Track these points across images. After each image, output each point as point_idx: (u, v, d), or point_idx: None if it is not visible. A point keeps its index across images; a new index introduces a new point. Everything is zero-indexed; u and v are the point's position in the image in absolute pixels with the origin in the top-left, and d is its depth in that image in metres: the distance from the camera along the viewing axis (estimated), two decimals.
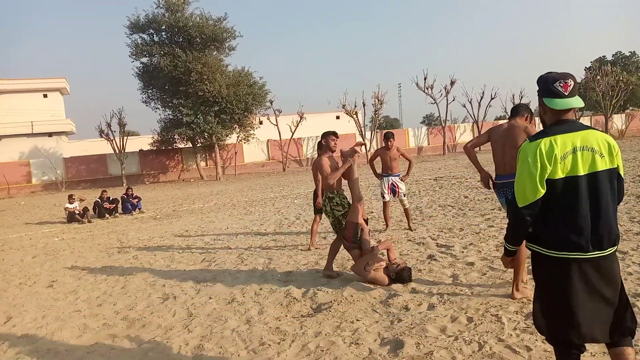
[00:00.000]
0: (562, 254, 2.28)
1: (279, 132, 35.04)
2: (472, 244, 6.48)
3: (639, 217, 7.24)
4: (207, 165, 33.96)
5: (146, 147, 33.99)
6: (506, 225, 2.55)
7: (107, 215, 13.86)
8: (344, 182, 5.56)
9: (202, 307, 4.80)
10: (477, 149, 5.16)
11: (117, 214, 14.23)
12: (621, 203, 8.06)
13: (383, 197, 7.92)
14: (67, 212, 13.51)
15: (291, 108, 65.17)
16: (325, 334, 3.83)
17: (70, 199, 13.78)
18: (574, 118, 2.41)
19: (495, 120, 46.81)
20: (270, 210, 12.23)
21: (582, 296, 2.26)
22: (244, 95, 30.24)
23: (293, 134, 35.44)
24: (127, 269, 6.81)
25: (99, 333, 4.35)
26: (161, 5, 29.84)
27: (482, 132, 30.93)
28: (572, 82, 2.33)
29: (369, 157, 8.52)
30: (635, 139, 37.24)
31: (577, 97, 2.35)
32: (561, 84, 2.32)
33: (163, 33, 30.42)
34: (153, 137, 33.15)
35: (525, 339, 3.41)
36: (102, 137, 31.88)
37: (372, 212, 9.99)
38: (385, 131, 8.43)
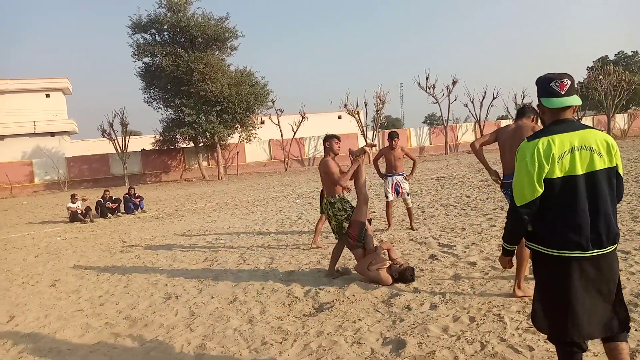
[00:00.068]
0: (562, 253, 2.30)
1: (281, 132, 35.05)
2: (474, 243, 6.47)
3: None
4: (209, 165, 33.98)
5: (148, 147, 34.01)
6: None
7: (109, 215, 13.88)
8: (349, 182, 5.58)
9: (204, 307, 4.81)
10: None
11: (120, 214, 14.26)
12: (624, 203, 8.03)
13: (386, 197, 7.94)
14: (70, 211, 13.54)
15: (293, 108, 65.22)
16: (328, 334, 3.83)
17: (73, 198, 13.81)
18: (573, 118, 2.42)
19: (497, 120, 46.75)
20: (272, 210, 12.24)
21: (582, 294, 2.28)
22: (245, 95, 30.24)
23: (295, 133, 35.45)
24: (129, 269, 6.83)
25: (102, 332, 4.36)
26: (163, 5, 29.86)
27: (484, 132, 30.84)
28: (569, 82, 2.36)
29: (373, 157, 8.54)
30: (637, 138, 37.13)
31: (574, 96, 2.37)
32: (557, 84, 2.35)
33: (165, 33, 30.44)
34: (155, 137, 33.18)
35: (528, 338, 3.41)
36: (104, 136, 31.91)
37: (374, 212, 9.99)
38: (389, 131, 8.46)
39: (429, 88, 37.82)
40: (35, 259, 8.25)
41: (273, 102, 34.36)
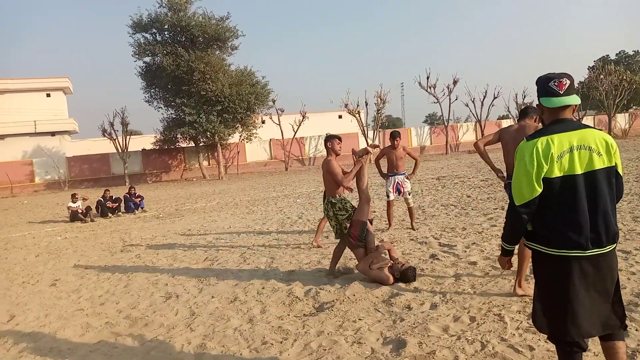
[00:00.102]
0: (562, 252, 2.31)
1: (282, 132, 35.04)
2: (474, 243, 6.47)
3: None
4: (209, 165, 33.97)
5: (149, 147, 34.01)
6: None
7: (109, 215, 13.89)
8: (351, 182, 5.58)
9: (205, 306, 4.81)
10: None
11: (120, 213, 14.27)
12: (625, 202, 8.01)
13: (388, 196, 7.96)
14: (70, 211, 13.55)
15: (293, 107, 65.29)
16: (328, 333, 3.83)
17: (73, 198, 13.82)
18: (572, 118, 2.43)
19: (498, 119, 46.70)
20: (272, 210, 12.24)
21: (582, 293, 2.30)
22: (246, 94, 30.24)
23: (295, 133, 35.42)
24: (129, 268, 6.83)
25: (102, 332, 4.36)
26: (164, 5, 29.86)
27: (485, 132, 30.75)
28: (568, 81, 2.37)
29: (374, 157, 8.56)
30: (638, 138, 37.08)
31: (573, 95, 2.37)
32: (556, 83, 2.36)
33: (166, 32, 30.43)
34: (156, 137, 33.17)
35: (528, 338, 3.41)
36: (104, 136, 31.90)
37: (374, 212, 9.98)
38: (391, 130, 8.50)
39: (430, 87, 37.78)
40: (35, 259, 8.25)
41: (274, 101, 34.37)
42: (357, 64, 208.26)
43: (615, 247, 2.36)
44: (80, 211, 13.47)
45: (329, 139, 5.67)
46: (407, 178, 7.93)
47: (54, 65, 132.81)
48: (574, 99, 2.36)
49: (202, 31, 29.55)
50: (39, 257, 8.40)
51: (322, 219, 7.41)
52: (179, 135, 31.44)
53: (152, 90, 31.76)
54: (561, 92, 2.34)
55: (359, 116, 36.20)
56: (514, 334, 3.50)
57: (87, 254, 8.31)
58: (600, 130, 2.43)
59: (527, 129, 4.43)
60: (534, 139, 2.35)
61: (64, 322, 4.69)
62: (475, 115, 40.56)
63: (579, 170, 2.29)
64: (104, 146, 34.13)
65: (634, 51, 57.39)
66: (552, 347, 3.01)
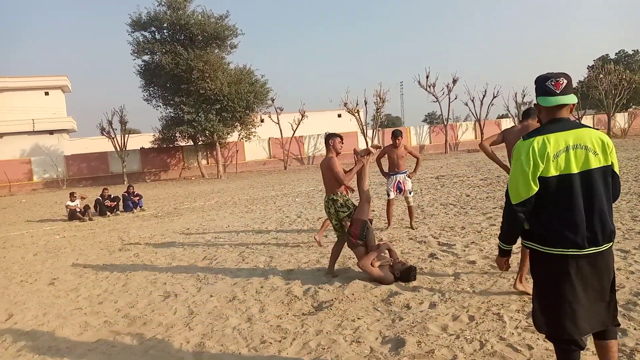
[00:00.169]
0: (559, 251, 2.33)
1: (281, 130, 35.00)
2: (473, 242, 6.47)
3: None
4: (208, 163, 33.95)
5: (147, 145, 33.95)
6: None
7: (108, 213, 13.87)
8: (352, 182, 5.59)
9: (203, 305, 4.80)
10: None
11: (118, 212, 14.24)
12: (623, 202, 7.98)
13: (388, 195, 7.98)
14: (69, 209, 13.53)
15: (293, 106, 65.28)
16: (327, 332, 3.83)
17: (72, 196, 13.80)
18: (569, 117, 2.44)
19: (497, 118, 46.71)
20: (271, 209, 12.23)
21: (579, 291, 2.33)
22: (245, 93, 30.21)
23: (294, 132, 35.41)
24: (128, 267, 6.82)
25: (100, 331, 4.36)
26: (163, 3, 29.81)
27: (484, 131, 30.59)
28: (565, 81, 2.38)
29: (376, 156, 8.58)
30: (638, 137, 37.11)
31: (570, 95, 2.39)
32: (553, 82, 2.38)
33: (165, 31, 30.39)
34: (154, 135, 33.12)
35: (527, 337, 3.41)
36: (103, 134, 31.84)
37: (373, 211, 9.97)
38: (393, 129, 8.53)
39: (429, 87, 37.76)
40: (33, 257, 8.24)
41: (272, 100, 34.34)
42: (356, 63, 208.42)
43: (611, 246, 2.39)
44: (79, 210, 13.45)
45: (330, 136, 5.66)
46: (408, 177, 7.96)
47: (53, 64, 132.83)
48: (571, 99, 2.37)
49: (201, 29, 29.52)
50: (37, 255, 8.38)
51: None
52: (177, 134, 31.41)
53: (151, 88, 31.73)
54: (558, 92, 2.36)
55: (358, 115, 36.17)
56: (512, 333, 3.50)
57: (86, 252, 8.30)
58: (597, 129, 2.44)
59: (530, 129, 4.45)
60: (530, 138, 2.36)
61: (62, 321, 4.68)
62: (475, 114, 40.56)
63: (575, 170, 2.30)
64: (103, 145, 34.07)
65: (634, 50, 57.40)
66: (550, 346, 3.01)
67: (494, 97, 40.08)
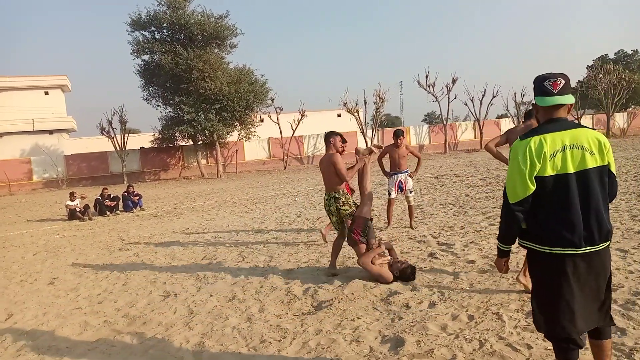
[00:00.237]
0: (556, 250, 2.35)
1: (280, 130, 34.99)
2: (473, 242, 6.47)
3: None
4: (208, 163, 33.94)
5: (147, 145, 33.94)
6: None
7: (108, 213, 13.87)
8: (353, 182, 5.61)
9: (203, 305, 4.81)
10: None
11: (118, 212, 14.25)
12: (622, 202, 7.99)
13: (389, 194, 8.00)
14: (68, 209, 13.53)
15: (292, 106, 65.24)
16: (326, 332, 3.83)
17: (72, 196, 13.79)
18: (566, 117, 2.46)
19: (497, 118, 46.72)
20: (271, 208, 12.24)
21: (576, 290, 2.35)
22: (245, 93, 30.21)
23: (294, 131, 35.40)
24: (128, 267, 6.83)
25: (100, 330, 4.36)
26: (163, 3, 29.80)
27: (483, 131, 30.58)
28: (563, 81, 2.39)
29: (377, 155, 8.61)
30: (637, 137, 37.12)
31: (567, 95, 2.40)
32: (550, 82, 2.39)
33: (164, 30, 30.38)
34: (154, 135, 33.11)
35: (526, 336, 3.41)
36: (103, 134, 31.83)
37: (373, 210, 9.97)
38: (395, 129, 8.55)
39: (429, 86, 37.76)
40: (33, 257, 8.24)
41: (272, 100, 34.33)
42: (356, 62, 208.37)
43: (608, 245, 2.40)
44: (79, 209, 13.45)
45: (331, 135, 5.66)
46: (409, 176, 7.98)
47: (53, 64, 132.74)
48: (568, 99, 2.39)
49: (200, 29, 29.51)
50: (37, 255, 8.39)
51: None
52: (177, 134, 31.40)
53: (151, 88, 31.72)
54: (555, 92, 2.37)
55: (358, 115, 36.18)
56: (512, 333, 3.50)
57: (85, 252, 8.30)
58: (594, 129, 2.45)
59: None
60: (527, 138, 2.38)
61: (62, 321, 4.69)
62: (474, 114, 40.59)
63: (571, 169, 2.32)
64: (102, 144, 34.05)
65: (633, 50, 57.51)
66: (549, 345, 3.02)
67: (494, 97, 40.15)
